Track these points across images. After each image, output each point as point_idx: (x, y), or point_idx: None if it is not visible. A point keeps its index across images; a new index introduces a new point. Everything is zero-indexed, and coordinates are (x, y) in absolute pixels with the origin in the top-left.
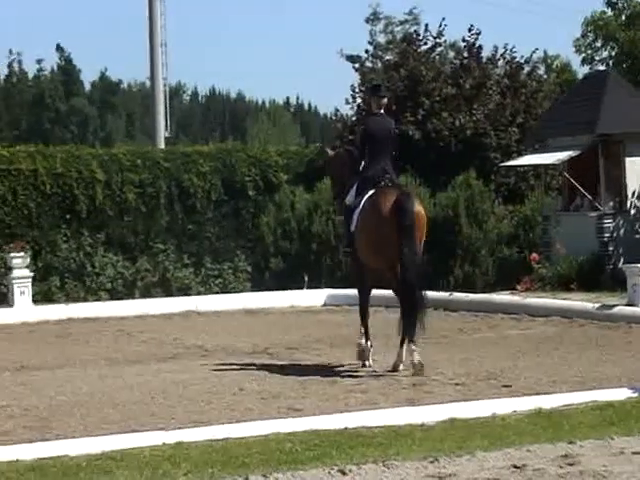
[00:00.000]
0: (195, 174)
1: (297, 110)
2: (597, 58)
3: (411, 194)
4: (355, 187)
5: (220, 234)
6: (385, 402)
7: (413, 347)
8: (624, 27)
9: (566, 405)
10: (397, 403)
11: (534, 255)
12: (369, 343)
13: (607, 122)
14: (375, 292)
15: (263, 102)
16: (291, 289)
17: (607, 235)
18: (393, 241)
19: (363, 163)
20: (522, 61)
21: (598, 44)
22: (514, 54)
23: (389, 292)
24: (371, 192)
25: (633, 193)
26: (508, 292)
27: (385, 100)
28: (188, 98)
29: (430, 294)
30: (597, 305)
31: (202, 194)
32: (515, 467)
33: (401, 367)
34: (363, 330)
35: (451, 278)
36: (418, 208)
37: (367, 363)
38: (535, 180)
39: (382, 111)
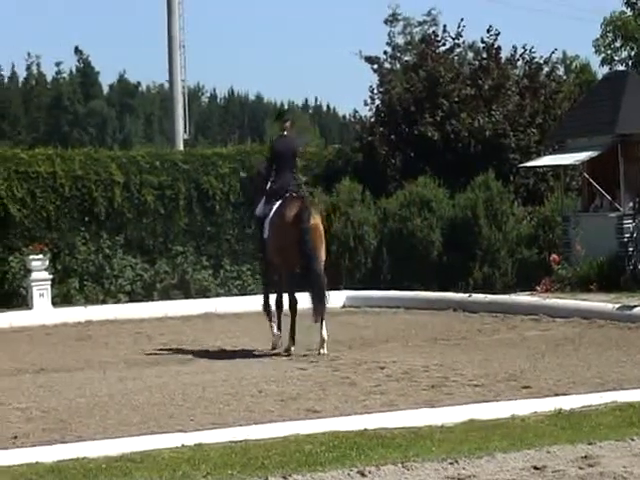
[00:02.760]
0: (214, 176)
1: (316, 111)
2: (616, 58)
3: (310, 205)
4: (264, 199)
5: (239, 236)
6: (404, 403)
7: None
8: None
9: (586, 406)
10: (416, 404)
11: (554, 256)
12: (279, 332)
13: (627, 122)
14: (393, 294)
15: (282, 104)
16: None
17: (627, 236)
18: (295, 244)
19: (272, 177)
20: (541, 62)
21: (617, 44)
22: (533, 55)
23: (407, 294)
24: (278, 203)
25: None
26: (528, 293)
27: (288, 123)
28: (207, 100)
29: (449, 295)
30: (617, 306)
31: (221, 196)
32: (535, 468)
33: (324, 350)
34: (276, 321)
35: (470, 279)
36: (315, 220)
37: (278, 348)
38: (554, 181)
39: (286, 132)
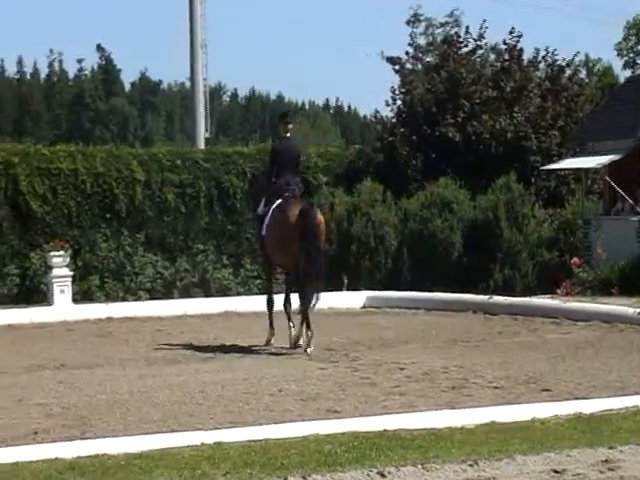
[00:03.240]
0: (235, 175)
1: (337, 112)
2: (639, 62)
3: (313, 204)
4: (264, 199)
5: None
6: (424, 405)
7: (309, 334)
8: None
9: (606, 410)
10: (436, 406)
11: (574, 259)
12: (274, 329)
13: None
14: (414, 295)
15: (303, 103)
16: (330, 291)
17: None
18: (296, 243)
19: (273, 178)
20: (563, 64)
21: None
22: (555, 57)
23: (427, 295)
24: (278, 202)
25: None
26: (548, 296)
27: (291, 125)
28: (228, 99)
29: (470, 297)
30: (638, 310)
31: (242, 195)
32: (555, 472)
33: (302, 344)
34: (269, 320)
35: (491, 281)
36: (318, 217)
37: (271, 342)
38: (576, 184)
39: (289, 135)
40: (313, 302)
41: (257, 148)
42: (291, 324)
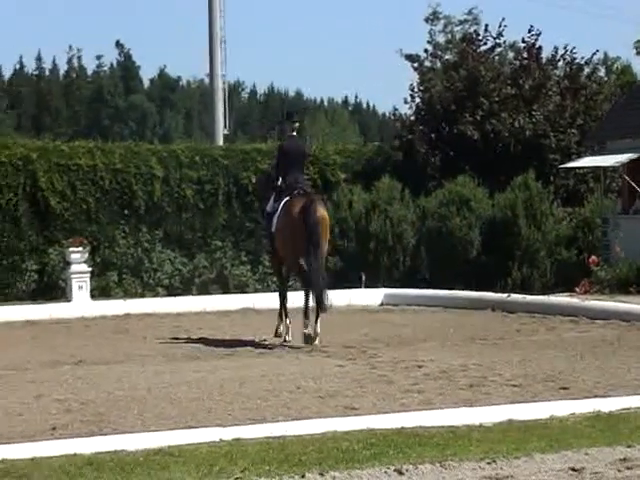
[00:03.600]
0: (253, 171)
1: (355, 109)
2: None
3: (316, 200)
4: (273, 197)
5: None
6: (442, 402)
7: (308, 322)
8: None
9: (624, 408)
10: (454, 404)
11: (593, 258)
12: (288, 320)
13: None
14: (432, 293)
15: (321, 100)
16: (348, 288)
17: None
18: (302, 238)
19: (281, 176)
20: (582, 62)
21: None
22: (574, 55)
23: (446, 293)
24: (286, 199)
25: None
26: (566, 294)
27: (297, 124)
28: (246, 96)
29: (488, 295)
30: None
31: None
32: (573, 470)
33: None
34: (281, 312)
35: (509, 279)
36: (322, 212)
37: (287, 338)
38: (594, 182)
39: (295, 133)
40: (326, 302)
41: (275, 145)
42: (288, 321)
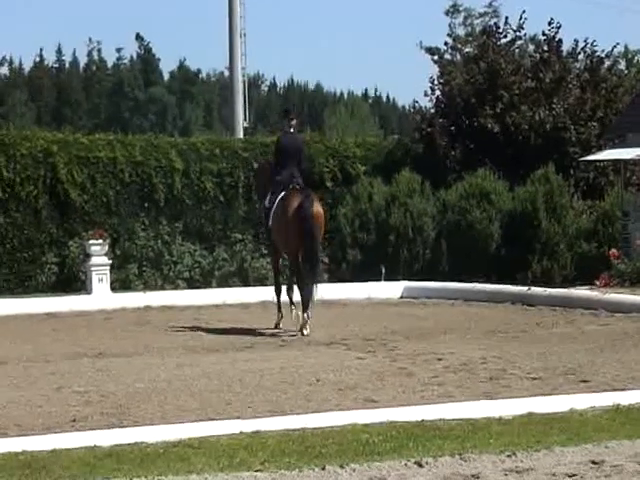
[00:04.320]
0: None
1: (375, 102)
2: None
3: (312, 196)
4: (270, 191)
5: None
6: (462, 395)
7: (308, 313)
8: None
9: None
10: (474, 396)
11: (613, 251)
12: (282, 312)
13: None
14: (452, 285)
15: (341, 93)
16: (368, 281)
17: None
18: (297, 233)
19: (278, 171)
20: (603, 55)
21: None
22: (595, 48)
23: (466, 286)
24: (282, 194)
25: None
26: (587, 287)
27: (294, 121)
28: (266, 88)
29: (508, 288)
30: None
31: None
32: (593, 463)
33: (307, 330)
34: (279, 305)
35: (529, 272)
36: (317, 208)
37: (280, 326)
38: (615, 175)
39: (292, 130)
40: (313, 295)
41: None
42: (292, 307)
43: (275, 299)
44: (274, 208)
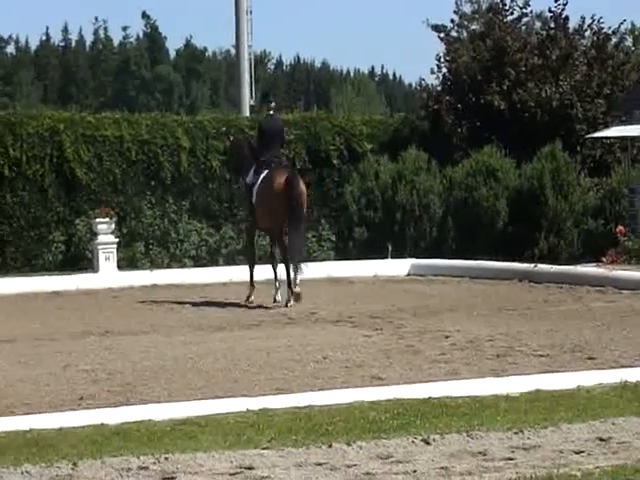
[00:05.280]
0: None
1: (382, 79)
2: None
3: (297, 175)
4: (253, 169)
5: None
6: (469, 372)
7: (297, 289)
8: None
9: None
10: (481, 374)
11: (620, 228)
12: (277, 283)
13: None
14: (458, 263)
15: (348, 71)
16: (375, 258)
17: None
18: (283, 208)
19: (260, 151)
20: (609, 32)
21: None
22: (601, 25)
23: (472, 263)
24: (266, 172)
25: None
26: (593, 264)
27: (273, 104)
28: (273, 66)
29: (515, 265)
30: None
31: (287, 162)
32: (600, 440)
33: (289, 302)
34: (252, 279)
35: (536, 249)
36: (302, 186)
37: (251, 299)
38: (621, 152)
39: (272, 112)
40: (298, 271)
41: (302, 116)
42: (277, 283)
43: (249, 273)
44: (258, 184)
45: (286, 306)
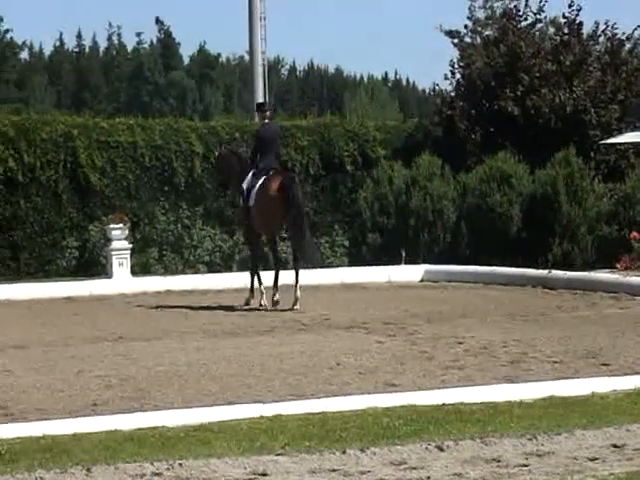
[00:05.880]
0: (293, 148)
1: (395, 85)
2: None
3: (295, 177)
4: (251, 174)
5: (318, 208)
6: (483, 379)
7: (298, 293)
8: None
9: None
10: (495, 380)
11: (634, 233)
12: (252, 294)
13: None
14: (472, 269)
15: (361, 77)
16: (388, 264)
17: None
18: (281, 213)
19: (258, 158)
20: (623, 38)
21: None
22: (615, 31)
23: (486, 269)
24: (264, 177)
25: None
26: (607, 270)
27: (268, 113)
28: (286, 72)
29: (528, 271)
30: None
31: (300, 168)
32: (614, 446)
33: (297, 306)
34: (250, 284)
35: (549, 255)
36: (300, 193)
37: (250, 302)
38: (635, 158)
39: (267, 121)
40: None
41: (315, 121)
42: (262, 287)
43: (250, 278)
44: (255, 190)
45: (292, 309)
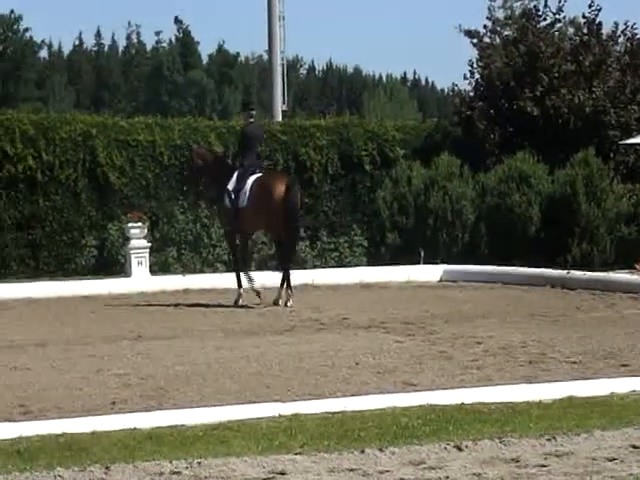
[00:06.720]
0: (312, 147)
1: (414, 85)
2: None
3: (295, 180)
4: (236, 176)
5: (336, 208)
6: (501, 379)
7: (290, 292)
8: None
9: None
10: (514, 380)
11: None
12: (241, 290)
13: None
14: (491, 269)
15: (380, 77)
16: (407, 264)
17: None
18: (281, 213)
19: (243, 156)
20: None
21: None
22: (635, 31)
23: (505, 269)
24: (256, 176)
25: None
26: (627, 271)
27: (254, 112)
28: (305, 72)
29: (547, 272)
30: None
31: (319, 168)
32: (634, 447)
33: (280, 302)
34: (237, 281)
35: (568, 256)
36: (299, 196)
37: (240, 301)
38: None
39: (252, 120)
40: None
41: (334, 121)
42: (241, 290)
43: (236, 277)
44: (249, 190)
45: (285, 306)
